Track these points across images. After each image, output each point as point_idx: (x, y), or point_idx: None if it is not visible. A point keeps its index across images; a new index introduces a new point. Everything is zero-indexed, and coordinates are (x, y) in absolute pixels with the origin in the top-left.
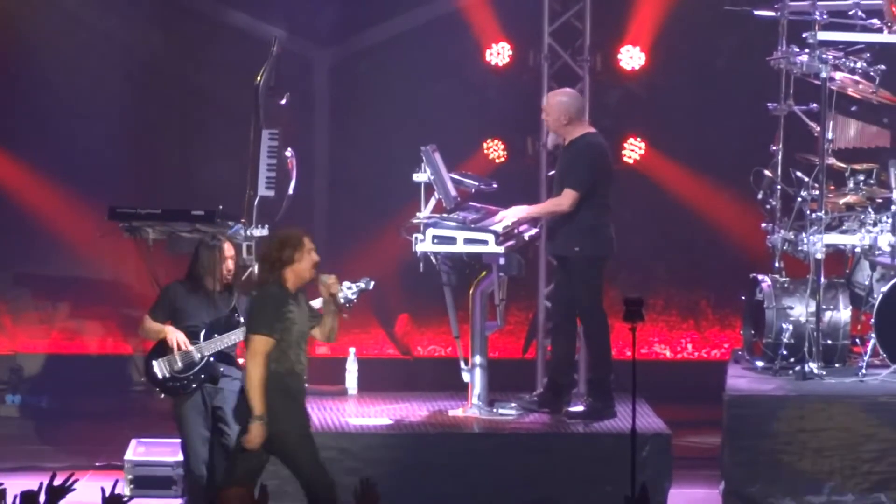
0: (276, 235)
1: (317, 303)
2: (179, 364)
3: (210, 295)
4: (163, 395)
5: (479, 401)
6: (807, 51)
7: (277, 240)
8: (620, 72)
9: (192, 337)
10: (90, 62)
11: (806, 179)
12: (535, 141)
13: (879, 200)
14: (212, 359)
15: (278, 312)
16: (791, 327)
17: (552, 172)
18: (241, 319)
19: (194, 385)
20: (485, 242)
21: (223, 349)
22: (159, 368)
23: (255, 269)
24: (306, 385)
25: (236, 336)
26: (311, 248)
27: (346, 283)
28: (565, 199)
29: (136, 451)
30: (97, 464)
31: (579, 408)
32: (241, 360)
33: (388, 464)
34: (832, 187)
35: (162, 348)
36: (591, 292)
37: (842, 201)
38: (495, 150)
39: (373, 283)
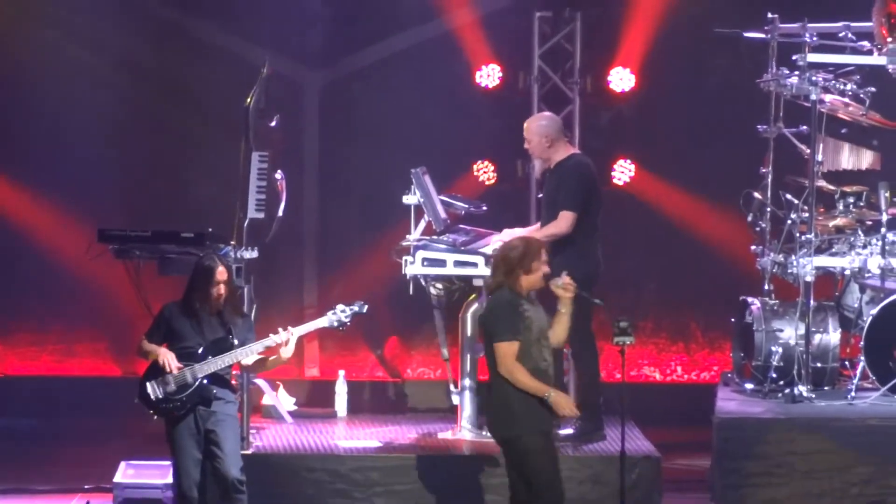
0: (517, 242)
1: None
2: (172, 386)
3: (204, 317)
4: (156, 417)
5: (469, 423)
6: (796, 73)
7: (521, 246)
8: (610, 94)
9: (188, 359)
10: (80, 82)
11: (796, 202)
12: (525, 163)
13: (869, 223)
14: (205, 381)
15: (516, 314)
16: (780, 350)
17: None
18: (236, 342)
19: (187, 407)
20: (475, 265)
21: (217, 371)
22: (152, 389)
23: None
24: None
25: (231, 358)
26: (546, 259)
27: (340, 306)
28: (563, 221)
29: (126, 473)
30: (86, 486)
31: (569, 430)
32: (234, 382)
33: (378, 486)
34: (822, 210)
35: (156, 370)
36: (580, 314)
37: (831, 224)
38: (485, 172)
39: (366, 306)
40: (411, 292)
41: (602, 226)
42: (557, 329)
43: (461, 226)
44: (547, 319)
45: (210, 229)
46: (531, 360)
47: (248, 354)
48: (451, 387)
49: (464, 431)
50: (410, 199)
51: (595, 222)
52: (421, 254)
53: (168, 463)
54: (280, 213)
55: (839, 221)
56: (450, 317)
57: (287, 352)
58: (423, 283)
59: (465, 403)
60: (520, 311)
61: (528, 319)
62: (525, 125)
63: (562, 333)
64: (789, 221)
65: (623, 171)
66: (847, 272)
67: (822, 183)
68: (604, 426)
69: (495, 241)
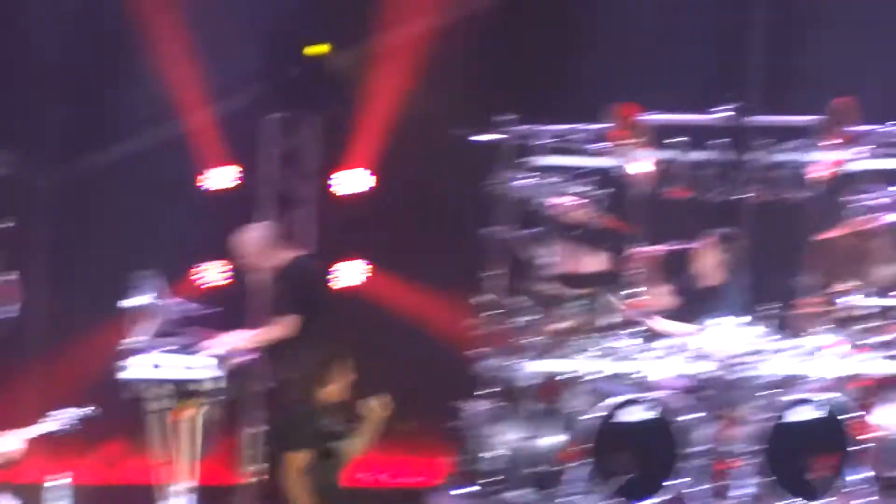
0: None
1: None
2: None
3: None
4: None
5: None
6: (530, 175)
7: (324, 360)
8: (345, 195)
9: None
10: None
11: (522, 304)
12: None
13: (598, 325)
14: None
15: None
16: (500, 453)
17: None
18: None
19: None
20: (197, 368)
21: None
22: None
23: None
24: None
25: None
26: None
27: (71, 411)
28: (287, 323)
29: None
30: None
31: None
32: None
33: None
34: (550, 312)
35: None
36: None
37: (560, 326)
38: (217, 272)
39: (93, 409)
40: (129, 395)
41: (335, 327)
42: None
43: (187, 327)
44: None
45: None
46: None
47: None
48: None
49: None
50: (135, 301)
51: (321, 324)
52: (140, 357)
53: None
54: (12, 315)
55: (569, 324)
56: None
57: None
58: (141, 386)
59: None
60: (317, 425)
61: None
62: (240, 240)
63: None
64: (514, 324)
65: (356, 272)
66: (573, 376)
67: (552, 285)
68: None
69: (216, 343)
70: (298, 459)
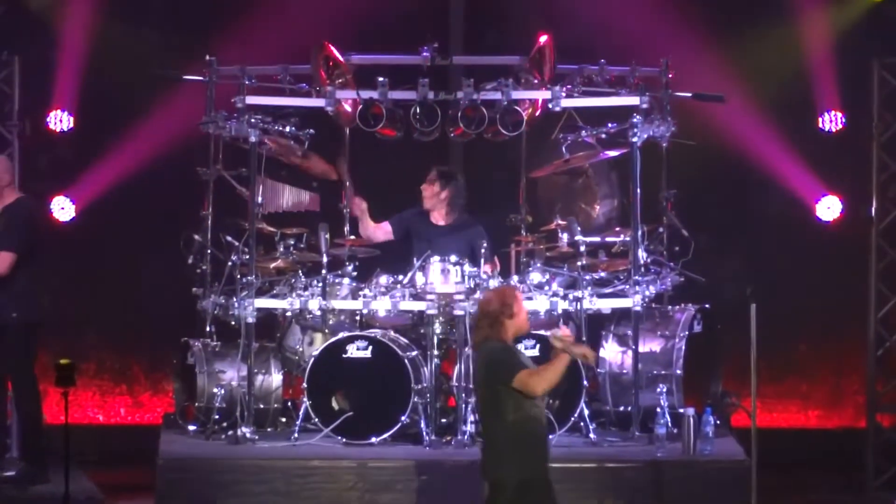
0: (490, 295)
1: None
2: None
3: None
4: None
5: None
6: (235, 115)
7: (496, 297)
8: (49, 135)
9: None
10: None
11: (236, 244)
12: None
13: (309, 265)
14: None
15: (513, 356)
16: (223, 391)
17: None
18: None
19: None
20: None
21: None
22: None
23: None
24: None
25: None
26: (523, 300)
27: None
28: (2, 262)
29: None
30: None
31: (11, 473)
32: None
33: None
34: (262, 252)
35: None
36: (25, 359)
37: (272, 265)
38: None
39: None
40: None
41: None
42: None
43: None
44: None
45: None
46: (522, 409)
47: None
48: None
49: None
50: None
51: (41, 268)
52: None
53: None
54: None
55: (280, 263)
56: None
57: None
58: None
59: None
60: (515, 354)
61: (521, 364)
62: None
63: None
64: (230, 263)
65: (62, 210)
66: (288, 314)
67: (262, 225)
68: (47, 468)
69: None
70: None
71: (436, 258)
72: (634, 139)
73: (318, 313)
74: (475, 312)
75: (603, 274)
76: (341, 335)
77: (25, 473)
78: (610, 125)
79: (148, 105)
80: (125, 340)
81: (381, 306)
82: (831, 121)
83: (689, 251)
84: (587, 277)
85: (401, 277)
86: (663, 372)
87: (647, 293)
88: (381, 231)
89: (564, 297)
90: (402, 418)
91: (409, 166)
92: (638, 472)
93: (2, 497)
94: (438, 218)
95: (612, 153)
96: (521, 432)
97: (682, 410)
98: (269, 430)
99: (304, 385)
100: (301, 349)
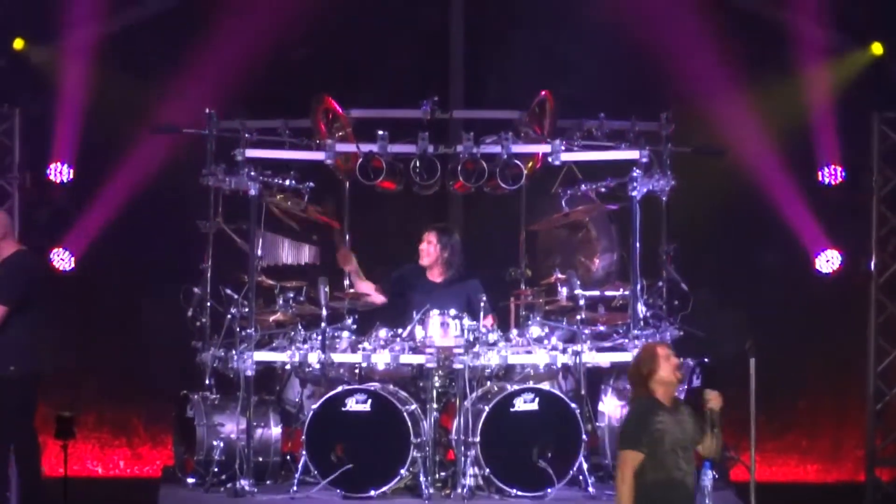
0: (638, 351)
1: None
2: None
3: None
4: None
5: None
6: (233, 168)
7: (635, 357)
8: (50, 187)
9: None
10: None
11: (235, 297)
12: None
13: (309, 318)
14: None
15: (644, 424)
16: (222, 444)
17: None
18: None
19: None
20: None
21: None
22: None
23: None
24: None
25: None
26: (665, 354)
27: None
28: None
29: None
30: None
31: None
32: None
33: None
34: (262, 305)
35: None
36: (25, 411)
37: (272, 318)
38: None
39: None
40: None
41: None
42: (706, 441)
43: None
44: (693, 429)
45: None
46: (663, 469)
47: None
48: None
49: None
50: None
51: (41, 318)
52: None
53: None
54: None
55: (279, 316)
56: None
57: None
58: None
59: None
60: (648, 422)
61: (658, 431)
62: None
63: (709, 445)
64: (229, 316)
65: (62, 261)
66: (288, 367)
67: (261, 278)
68: None
69: None
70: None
71: (435, 311)
72: (634, 193)
73: (318, 366)
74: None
75: (602, 328)
76: (340, 388)
77: None
78: (609, 180)
79: (147, 157)
80: (124, 392)
81: (381, 360)
82: (831, 174)
83: (689, 305)
84: (586, 331)
85: (400, 331)
86: None
87: None
88: (374, 294)
89: (564, 351)
90: (402, 471)
91: (408, 219)
92: None
93: None
94: (436, 275)
95: (613, 207)
96: (656, 493)
97: None
98: (268, 482)
99: (304, 438)
100: (300, 402)
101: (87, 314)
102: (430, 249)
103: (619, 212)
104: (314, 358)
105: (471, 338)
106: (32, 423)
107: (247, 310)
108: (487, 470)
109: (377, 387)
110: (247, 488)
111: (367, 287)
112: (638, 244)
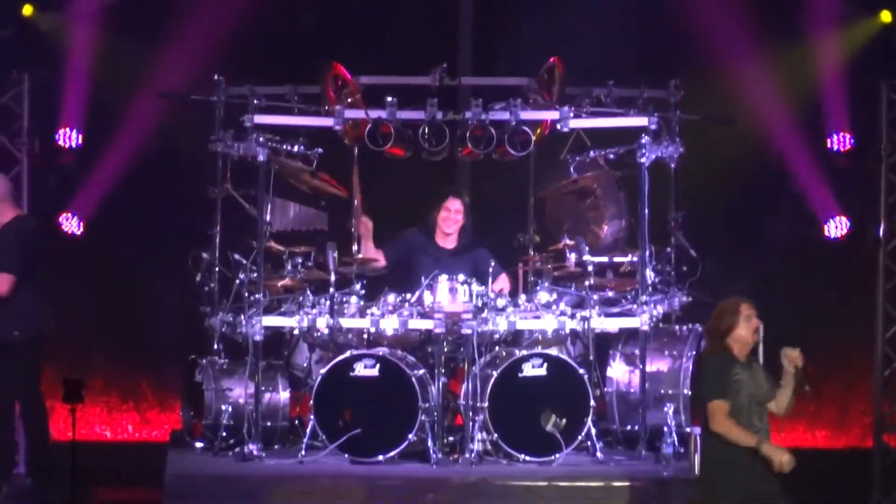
0: (717, 306)
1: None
2: None
3: None
4: None
5: None
6: (242, 134)
7: (716, 310)
8: (58, 152)
9: None
10: None
11: (244, 262)
12: None
13: (317, 283)
14: None
15: (725, 376)
16: (230, 409)
17: None
18: None
19: None
20: None
21: None
22: None
23: None
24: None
25: None
26: (748, 313)
27: None
28: (2, 283)
29: None
30: None
31: (14, 490)
32: None
33: None
34: (270, 270)
35: None
36: (30, 376)
37: (280, 284)
38: None
39: None
40: None
41: (51, 284)
42: (780, 399)
43: None
44: (768, 385)
45: None
46: (740, 424)
47: None
48: None
49: None
50: None
51: (42, 283)
52: None
53: None
54: None
55: (288, 281)
56: None
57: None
58: None
59: None
60: (727, 374)
61: (736, 383)
62: None
63: (784, 403)
64: (238, 281)
65: (70, 226)
66: (296, 332)
67: (270, 243)
68: (55, 485)
69: None
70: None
71: (444, 277)
72: (642, 160)
73: (326, 331)
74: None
75: (611, 293)
76: (349, 353)
77: (33, 492)
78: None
79: (155, 122)
80: (133, 357)
81: (389, 325)
82: (840, 142)
83: (697, 271)
84: (595, 297)
85: (409, 296)
86: (670, 391)
87: (654, 313)
88: (382, 260)
89: (572, 317)
90: (410, 436)
91: (416, 186)
92: (644, 491)
93: None
94: (448, 241)
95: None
96: (734, 448)
97: (688, 430)
98: (276, 447)
99: (312, 403)
100: (308, 367)
101: (95, 278)
102: (457, 217)
103: (628, 178)
104: (322, 323)
105: (479, 303)
106: (38, 387)
107: (255, 275)
108: (495, 435)
109: (385, 352)
110: (255, 453)
111: (375, 252)
112: (646, 211)
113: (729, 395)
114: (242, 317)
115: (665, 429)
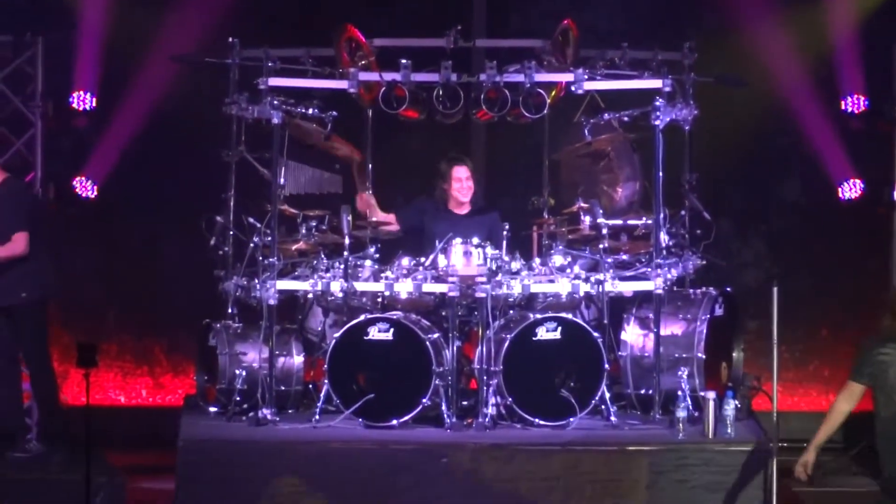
0: None
1: None
2: None
3: None
4: None
5: None
6: (256, 97)
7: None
8: (72, 115)
9: None
10: None
11: (258, 226)
12: None
13: (331, 247)
14: None
15: (867, 355)
16: (244, 373)
17: None
18: None
19: None
20: None
21: None
22: None
23: None
24: None
25: None
26: None
27: None
28: (19, 242)
29: None
30: None
31: (21, 455)
32: None
33: None
34: (284, 234)
35: None
36: (38, 338)
37: (294, 248)
38: None
39: None
40: None
41: (64, 248)
42: None
43: None
44: None
45: None
46: (892, 405)
47: None
48: None
49: None
50: None
51: (46, 245)
52: None
53: None
54: None
55: (302, 245)
56: None
57: None
58: None
59: None
60: (872, 353)
61: (881, 363)
62: None
63: None
64: (252, 245)
65: (83, 191)
66: (310, 295)
67: (284, 207)
68: (67, 449)
69: None
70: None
71: (458, 240)
72: (657, 122)
73: (340, 295)
74: None
75: (625, 257)
76: (363, 317)
77: (44, 453)
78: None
79: (170, 85)
80: (146, 322)
81: (404, 288)
82: (854, 104)
83: (711, 234)
84: (609, 260)
85: (423, 260)
86: (685, 355)
87: (668, 276)
88: (395, 224)
89: (586, 280)
90: (424, 401)
91: (431, 148)
92: (658, 455)
93: (23, 478)
94: (462, 208)
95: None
96: (890, 429)
97: (702, 394)
98: (290, 411)
99: (326, 367)
100: (322, 331)
101: (109, 242)
102: (469, 184)
103: (642, 141)
104: (336, 286)
105: (493, 266)
106: (46, 349)
107: (269, 238)
108: (510, 399)
109: (399, 316)
110: (269, 417)
111: (387, 217)
112: (661, 173)
113: (865, 377)
114: (256, 280)
115: (679, 393)
